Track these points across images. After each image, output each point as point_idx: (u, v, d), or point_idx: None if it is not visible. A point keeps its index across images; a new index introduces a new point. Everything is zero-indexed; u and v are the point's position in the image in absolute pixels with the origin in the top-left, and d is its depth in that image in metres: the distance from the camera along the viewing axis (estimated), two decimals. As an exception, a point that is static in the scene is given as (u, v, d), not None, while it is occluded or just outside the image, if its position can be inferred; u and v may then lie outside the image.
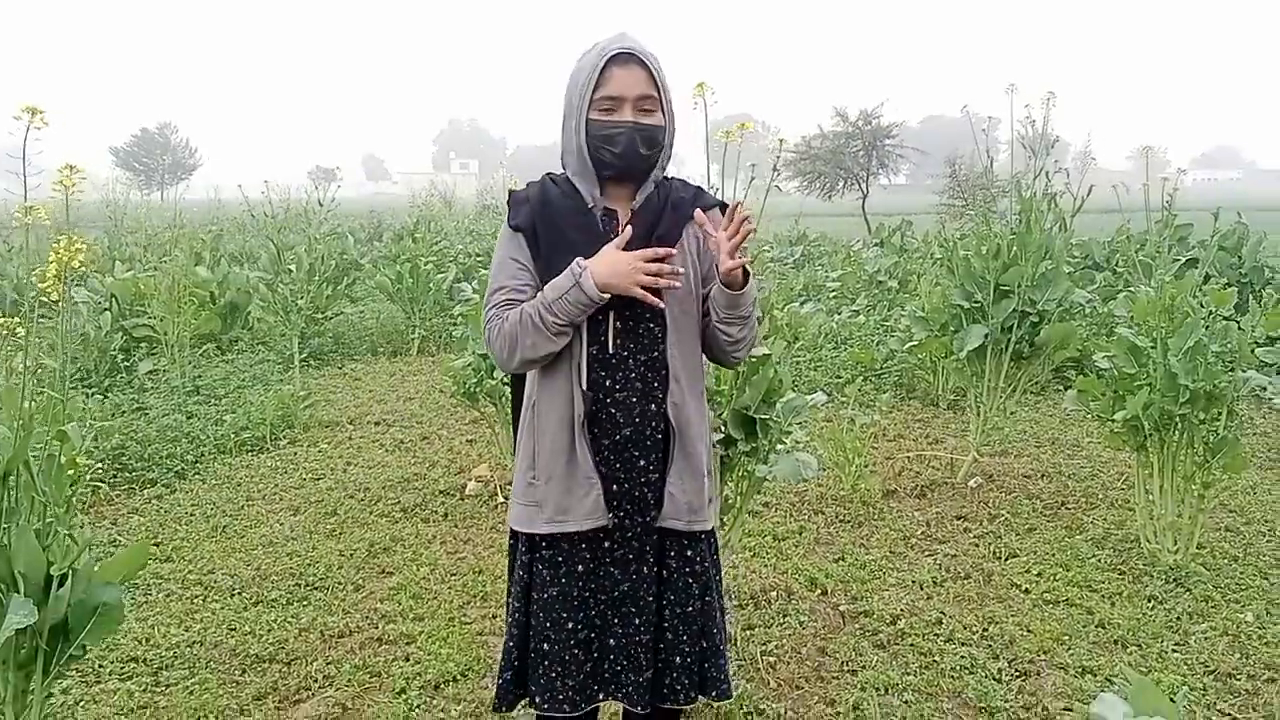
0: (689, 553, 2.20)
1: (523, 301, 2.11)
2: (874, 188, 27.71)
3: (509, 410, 2.41)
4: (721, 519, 3.40)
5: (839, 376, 7.83)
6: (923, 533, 4.72)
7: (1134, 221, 7.21)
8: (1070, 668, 3.37)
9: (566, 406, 2.11)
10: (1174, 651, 3.49)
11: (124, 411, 6.52)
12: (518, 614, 2.20)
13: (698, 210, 2.07)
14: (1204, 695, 3.19)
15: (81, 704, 3.19)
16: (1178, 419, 4.04)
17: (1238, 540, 4.56)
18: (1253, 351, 4.12)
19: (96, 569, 2.31)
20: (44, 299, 2.20)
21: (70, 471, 2.25)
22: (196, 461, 5.85)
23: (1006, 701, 3.15)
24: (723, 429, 3.20)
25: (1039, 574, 4.17)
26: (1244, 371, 4.02)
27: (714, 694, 2.23)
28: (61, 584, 2.20)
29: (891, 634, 3.64)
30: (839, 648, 3.54)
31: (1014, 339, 5.21)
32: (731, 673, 3.26)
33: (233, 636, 3.66)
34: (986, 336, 5.21)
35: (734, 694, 2.34)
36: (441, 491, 5.36)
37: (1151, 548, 4.29)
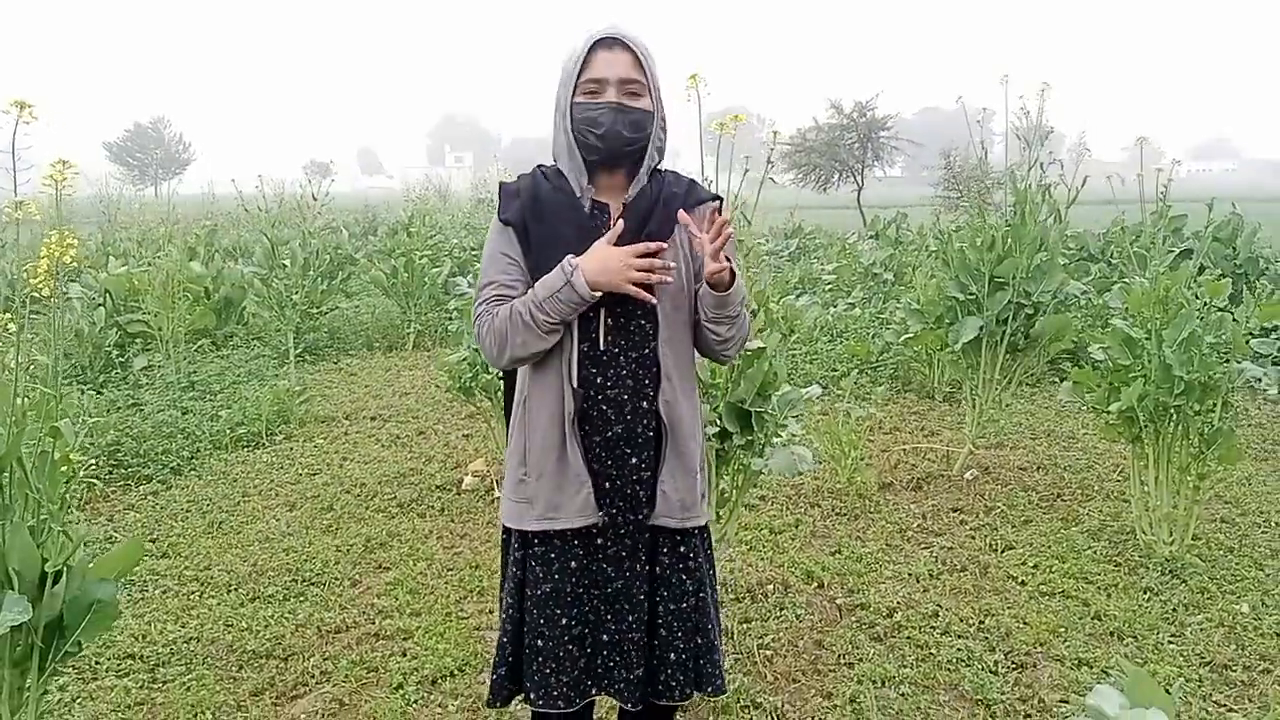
0: (682, 549, 2.19)
1: (513, 296, 2.10)
2: (869, 180, 27.68)
3: (504, 405, 2.40)
4: (717, 512, 3.40)
5: (834, 370, 7.83)
6: (919, 525, 4.73)
7: (1129, 213, 7.21)
8: (1066, 659, 3.38)
9: (557, 404, 2.10)
10: (1170, 643, 3.50)
11: (119, 407, 6.51)
12: (511, 610, 2.19)
13: (681, 211, 2.06)
14: (1200, 686, 3.20)
15: (78, 701, 3.19)
16: (1173, 410, 4.04)
17: (1233, 532, 4.57)
18: (1247, 342, 4.12)
19: (91, 566, 2.30)
20: (36, 295, 2.19)
21: (64, 468, 2.24)
22: (192, 458, 5.84)
23: (1003, 693, 3.16)
24: (718, 422, 3.20)
25: (1035, 566, 4.18)
26: (1239, 362, 4.03)
27: (709, 690, 2.22)
28: (56, 581, 2.19)
29: (888, 627, 3.64)
30: (836, 641, 3.54)
31: (1009, 331, 5.21)
32: (727, 667, 3.27)
33: (229, 632, 3.66)
34: (981, 329, 5.21)
35: (729, 689, 2.34)
36: (438, 486, 5.36)
37: (1147, 539, 4.30)
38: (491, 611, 3.76)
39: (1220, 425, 4.03)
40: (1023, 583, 4.03)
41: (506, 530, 2.24)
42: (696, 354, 2.28)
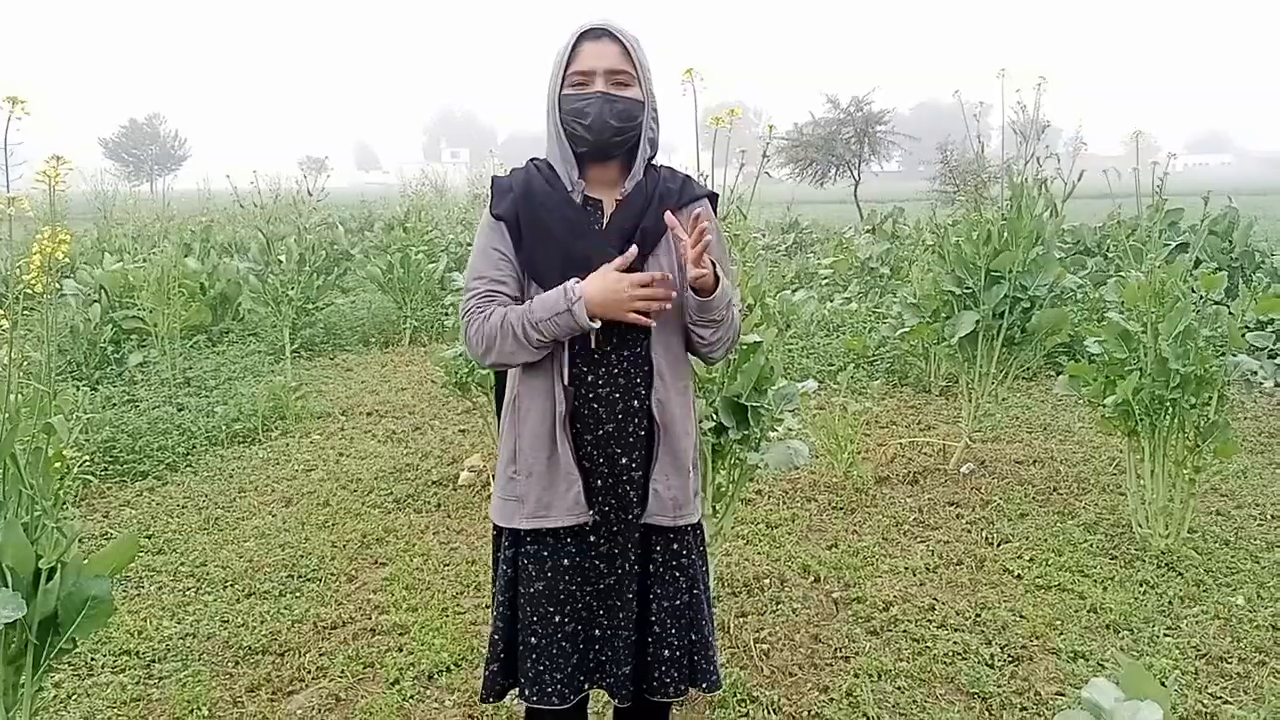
0: (675, 546, 2.17)
1: (503, 292, 2.08)
2: (866, 175, 27.63)
3: (495, 404, 2.39)
4: (713, 507, 3.40)
5: (831, 364, 7.83)
6: (915, 519, 4.73)
7: (1125, 206, 7.22)
8: (1062, 653, 3.38)
9: (548, 402, 2.09)
10: (1166, 635, 3.51)
11: (114, 404, 6.50)
12: (502, 607, 2.18)
13: (668, 214, 2.03)
14: (1195, 679, 3.21)
15: (74, 697, 3.18)
16: (1168, 403, 4.04)
17: (1229, 524, 4.58)
18: (1243, 336, 4.13)
19: (86, 562, 2.30)
20: (29, 291, 2.18)
21: (58, 464, 2.23)
22: (188, 453, 5.83)
23: (999, 687, 3.16)
24: (714, 417, 3.20)
25: (1031, 559, 4.18)
26: (1234, 356, 4.03)
27: (704, 686, 2.21)
28: (50, 577, 2.18)
29: (884, 620, 3.65)
30: (832, 635, 3.54)
31: (1005, 325, 5.21)
32: (722, 662, 3.27)
33: (225, 628, 3.65)
34: (978, 322, 5.21)
35: (724, 685, 2.33)
36: (434, 482, 5.36)
37: (1143, 532, 4.31)
38: (488, 606, 3.75)
39: (1216, 418, 4.03)
40: (1019, 576, 4.03)
41: (497, 529, 2.23)
42: None
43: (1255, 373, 4.12)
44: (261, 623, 3.69)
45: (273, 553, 4.36)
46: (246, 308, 9.63)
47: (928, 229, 11.89)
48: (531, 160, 2.20)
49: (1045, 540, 4.40)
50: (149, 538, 4.54)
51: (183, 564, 4.25)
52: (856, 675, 3.24)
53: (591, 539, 2.13)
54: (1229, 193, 10.81)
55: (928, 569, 4.12)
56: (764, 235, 16.07)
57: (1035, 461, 5.62)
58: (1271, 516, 4.67)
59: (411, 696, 3.16)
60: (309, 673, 3.33)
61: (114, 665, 3.39)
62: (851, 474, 5.20)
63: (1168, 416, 4.11)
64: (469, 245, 12.99)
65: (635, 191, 2.12)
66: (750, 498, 4.96)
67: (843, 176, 27.88)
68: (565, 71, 2.07)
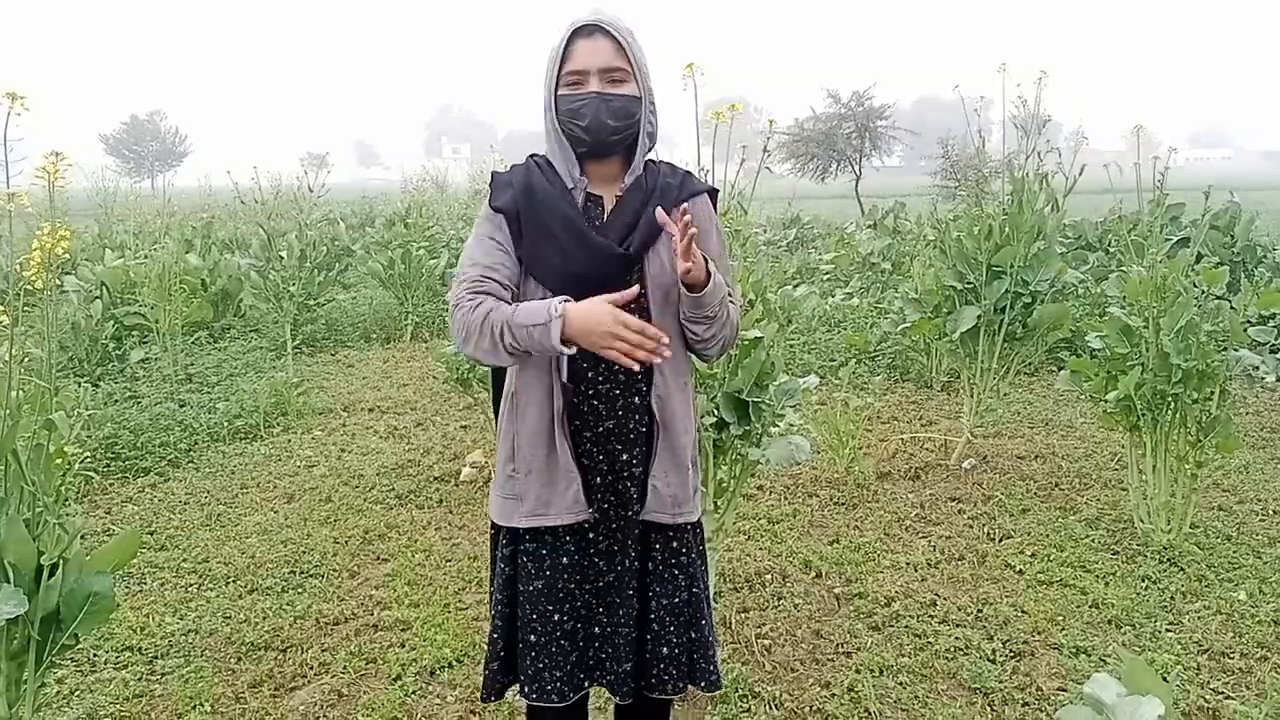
0: (674, 544, 2.16)
1: (496, 280, 2.03)
2: (867, 170, 27.59)
3: (493, 402, 2.37)
4: (715, 502, 3.40)
5: (832, 359, 7.83)
6: (917, 515, 4.73)
7: (1126, 201, 7.20)
8: (1064, 648, 3.38)
9: (546, 399, 2.07)
10: (1168, 631, 3.51)
11: (116, 400, 6.50)
12: (501, 605, 2.17)
13: (658, 211, 1.98)
14: (1197, 674, 3.21)
15: (77, 693, 3.19)
16: (1170, 399, 4.04)
17: (1231, 519, 4.57)
18: (1245, 330, 4.12)
19: (88, 558, 2.30)
20: (30, 287, 2.18)
21: (59, 461, 2.23)
22: (190, 450, 5.84)
23: (1001, 682, 3.16)
24: (716, 412, 3.20)
25: (1033, 555, 4.18)
26: (1236, 350, 4.03)
27: (703, 685, 2.20)
28: (52, 574, 2.19)
29: (886, 616, 3.65)
30: (833, 630, 3.54)
31: (1007, 320, 5.21)
32: (724, 658, 3.27)
33: (228, 624, 3.66)
34: (979, 318, 5.21)
35: (723, 685, 2.31)
36: (436, 478, 5.36)
37: (1145, 528, 4.30)
38: (488, 603, 3.76)
39: (1218, 413, 4.03)
40: (1020, 571, 4.03)
41: (496, 527, 2.21)
42: None
43: (1257, 368, 4.12)
44: (264, 619, 3.69)
45: (275, 549, 4.37)
46: (248, 304, 9.64)
47: (929, 224, 11.90)
48: (531, 156, 2.18)
49: (1047, 536, 4.40)
50: (151, 534, 4.55)
51: (185, 560, 4.26)
52: (858, 671, 3.24)
53: (591, 536, 2.12)
54: (1231, 187, 10.80)
55: (929, 564, 4.12)
56: (765, 231, 16.06)
57: (1037, 457, 5.62)
58: (1273, 511, 4.67)
59: (414, 692, 3.16)
60: (311, 668, 3.34)
61: (116, 661, 3.40)
62: (853, 469, 5.20)
63: (1169, 412, 4.10)
64: (470, 241, 13.06)
65: (635, 187, 2.11)
66: (752, 493, 4.96)
67: (844, 171, 27.85)
68: (559, 71, 2.04)
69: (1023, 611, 3.66)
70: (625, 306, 1.96)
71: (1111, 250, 9.91)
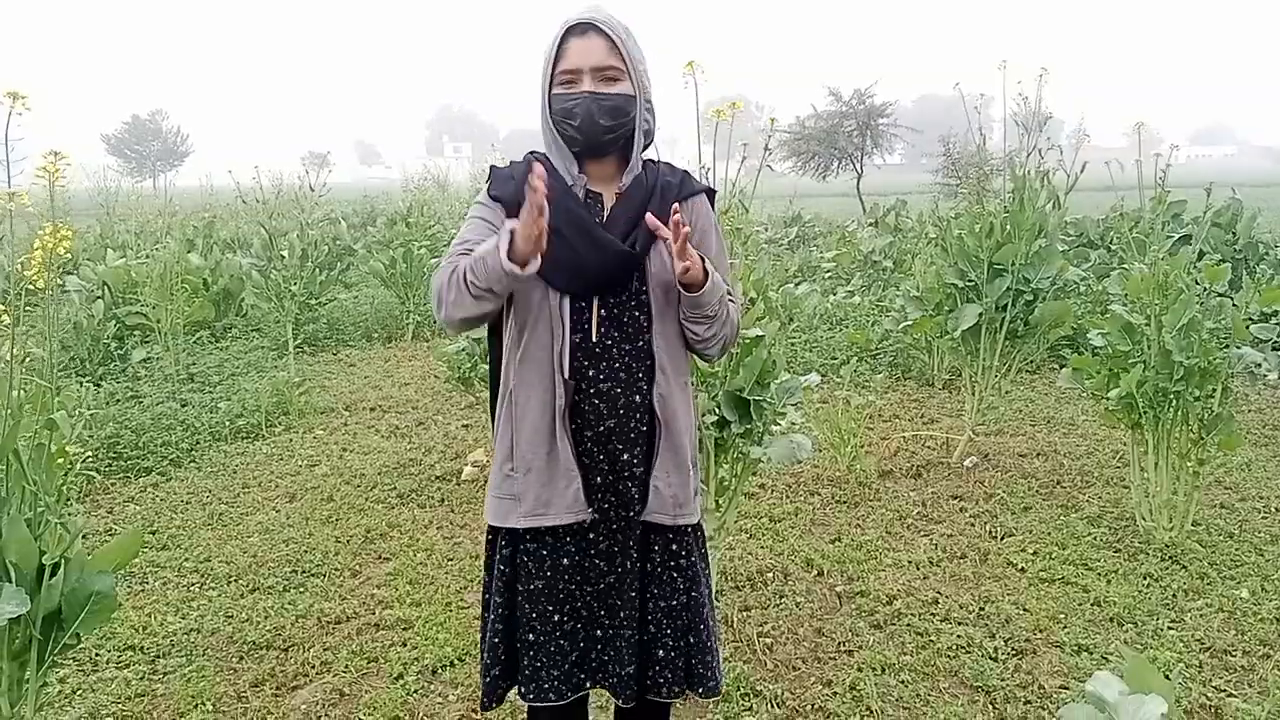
0: (674, 547, 2.14)
1: None
2: (868, 167, 27.56)
3: (489, 402, 2.34)
4: (717, 501, 3.40)
5: (834, 357, 7.83)
6: (918, 513, 4.73)
7: (1128, 199, 7.19)
8: (1066, 646, 3.38)
9: (547, 396, 2.04)
10: (1170, 629, 3.51)
11: (118, 400, 6.51)
12: (501, 609, 2.13)
13: (649, 215, 1.97)
14: (1200, 672, 3.20)
15: (79, 692, 3.19)
16: (1172, 396, 4.04)
17: (1233, 517, 4.57)
18: (1247, 328, 4.12)
19: (90, 558, 2.30)
20: (31, 287, 2.18)
21: (61, 460, 2.23)
22: (192, 449, 5.84)
23: (1003, 680, 3.16)
24: (717, 411, 3.20)
25: (1035, 553, 4.18)
26: (1238, 348, 4.02)
27: (700, 691, 2.17)
28: (54, 573, 2.19)
29: (888, 614, 3.65)
30: (835, 628, 3.54)
31: (1008, 318, 5.21)
32: (725, 656, 3.27)
33: (230, 624, 3.66)
34: (981, 315, 5.20)
35: (723, 691, 2.29)
36: (438, 477, 5.36)
37: (1147, 525, 4.30)
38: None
39: (1220, 411, 4.03)
40: (1022, 569, 4.03)
41: (492, 529, 2.18)
42: None
43: (1259, 365, 4.11)
44: (265, 618, 3.70)
45: (276, 548, 4.37)
46: (249, 303, 9.64)
47: (930, 222, 11.89)
48: (531, 153, 2.17)
49: (1049, 534, 4.40)
50: (153, 533, 4.55)
51: (187, 559, 4.26)
52: (860, 669, 3.24)
53: (591, 537, 2.10)
54: (1233, 184, 10.80)
55: (931, 563, 4.12)
56: (766, 229, 16.05)
57: (1038, 455, 5.62)
58: (1276, 509, 4.67)
59: (415, 691, 3.16)
60: (313, 668, 3.34)
61: (118, 660, 3.40)
62: (854, 468, 5.20)
63: (1171, 409, 4.10)
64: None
65: (635, 185, 2.10)
66: (753, 492, 4.96)
67: (845, 169, 27.82)
68: (553, 70, 2.03)
69: (1025, 609, 3.66)
70: (626, 303, 2.04)
71: (1113, 248, 9.90)
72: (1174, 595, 3.77)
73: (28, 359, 2.29)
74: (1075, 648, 3.36)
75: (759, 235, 13.56)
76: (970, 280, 5.26)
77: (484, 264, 1.88)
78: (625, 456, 2.08)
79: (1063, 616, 3.60)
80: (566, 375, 2.04)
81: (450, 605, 3.75)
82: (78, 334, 7.54)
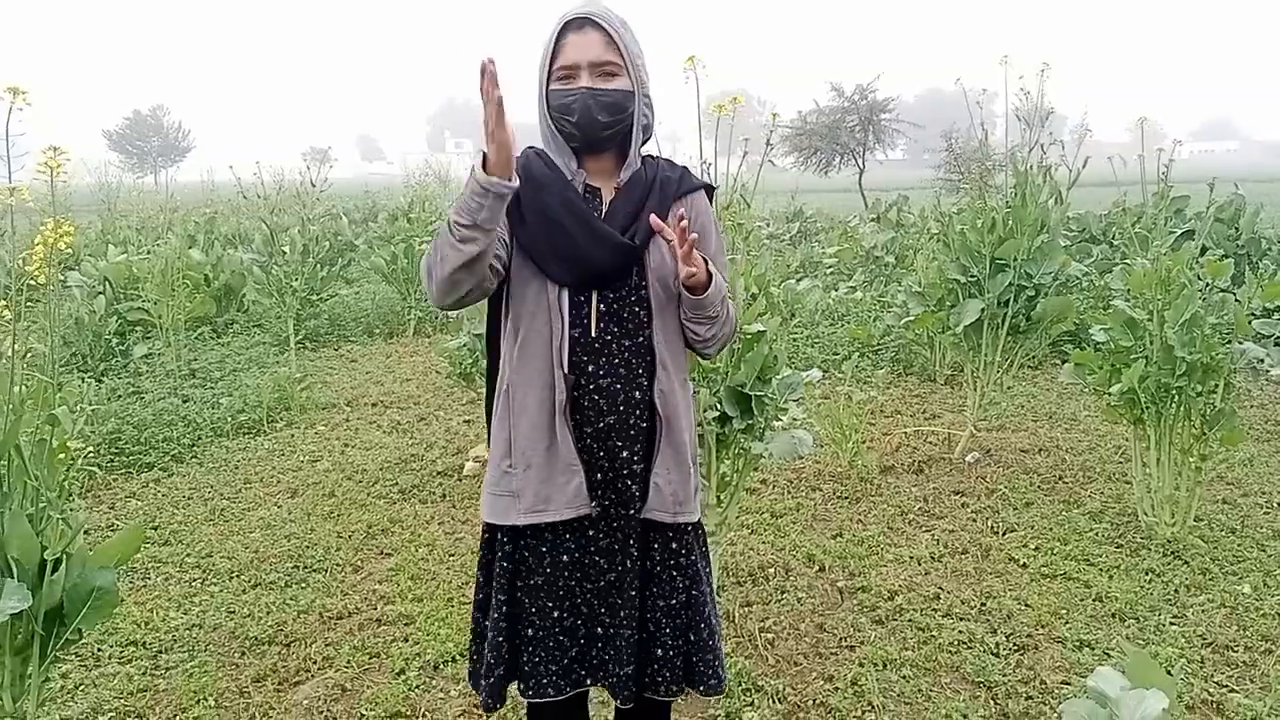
0: (674, 545, 2.12)
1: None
2: (870, 163, 27.59)
3: (485, 399, 2.32)
4: (718, 496, 3.40)
5: (836, 353, 7.82)
6: (920, 508, 4.72)
7: (1131, 194, 7.19)
8: (1068, 641, 3.38)
9: (547, 390, 2.02)
10: (1172, 624, 3.50)
11: (119, 395, 6.51)
12: (504, 607, 2.11)
13: (652, 217, 1.96)
14: (1201, 667, 3.20)
15: (81, 688, 3.19)
16: (1174, 391, 4.03)
17: (1235, 512, 4.57)
18: (1249, 323, 4.11)
19: (92, 553, 2.30)
20: (33, 282, 2.18)
21: (62, 456, 2.23)
22: (193, 445, 5.84)
23: (1004, 675, 3.16)
24: (718, 406, 3.19)
25: (1036, 548, 4.18)
26: (1241, 343, 4.02)
27: (701, 689, 2.15)
28: (56, 569, 2.19)
29: (889, 610, 3.65)
30: (837, 624, 3.54)
31: (1010, 313, 5.20)
32: (727, 652, 3.27)
33: (231, 619, 3.66)
34: (983, 311, 5.20)
35: (725, 689, 2.27)
36: (439, 473, 5.36)
37: (1149, 521, 4.30)
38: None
39: (1222, 406, 4.02)
40: (1024, 565, 4.03)
41: (490, 527, 2.16)
42: None
43: (1262, 360, 4.10)
44: (267, 613, 3.70)
45: (278, 544, 4.37)
46: (251, 299, 9.64)
47: (932, 217, 11.86)
48: (530, 148, 2.16)
49: (1051, 529, 4.40)
50: (155, 529, 4.56)
51: (189, 555, 4.26)
52: (861, 664, 3.24)
53: (591, 534, 2.08)
54: (1235, 179, 10.76)
55: (933, 558, 4.12)
56: (768, 224, 16.05)
57: (1041, 450, 5.62)
58: (1278, 505, 4.67)
59: (417, 686, 3.16)
60: (315, 663, 3.34)
61: (120, 656, 3.40)
62: (856, 463, 5.19)
63: (1174, 404, 4.09)
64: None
65: (633, 180, 2.09)
66: (755, 487, 4.96)
67: (847, 165, 27.84)
68: (551, 66, 2.01)
69: (1026, 605, 3.66)
70: (625, 298, 2.04)
71: (1116, 243, 9.87)
72: (1176, 590, 3.76)
73: (29, 354, 2.29)
74: (1077, 643, 3.36)
75: (761, 231, 13.55)
76: (972, 276, 5.25)
77: (463, 199, 1.85)
78: (625, 453, 2.06)
79: (1064, 612, 3.60)
80: (566, 370, 2.02)
81: (452, 601, 3.75)
82: (79, 329, 7.54)
